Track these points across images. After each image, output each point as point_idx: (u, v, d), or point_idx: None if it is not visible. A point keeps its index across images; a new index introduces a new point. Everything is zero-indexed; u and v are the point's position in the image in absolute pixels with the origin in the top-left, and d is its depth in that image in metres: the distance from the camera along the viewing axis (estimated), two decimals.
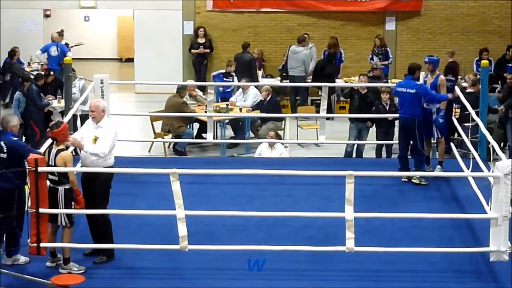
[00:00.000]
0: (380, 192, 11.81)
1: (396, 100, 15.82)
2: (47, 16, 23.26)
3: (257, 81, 19.06)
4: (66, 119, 12.05)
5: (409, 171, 12.23)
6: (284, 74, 20.06)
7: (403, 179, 12.29)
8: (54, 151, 9.46)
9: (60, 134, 9.46)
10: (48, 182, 9.46)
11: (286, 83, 19.66)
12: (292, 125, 17.51)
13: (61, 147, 9.50)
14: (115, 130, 9.85)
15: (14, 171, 9.45)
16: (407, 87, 12.18)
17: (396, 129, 15.26)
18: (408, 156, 12.53)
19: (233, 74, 18.82)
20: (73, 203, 9.46)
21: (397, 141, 14.82)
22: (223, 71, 19.22)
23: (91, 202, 9.65)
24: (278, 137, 14.92)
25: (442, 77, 12.52)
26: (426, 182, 12.13)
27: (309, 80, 19.42)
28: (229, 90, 18.66)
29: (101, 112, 9.82)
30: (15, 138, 9.69)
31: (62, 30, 20.46)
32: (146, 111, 17.28)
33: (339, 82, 19.58)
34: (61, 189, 9.40)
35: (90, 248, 9.80)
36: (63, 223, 9.45)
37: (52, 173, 9.39)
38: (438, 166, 12.49)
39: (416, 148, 12.17)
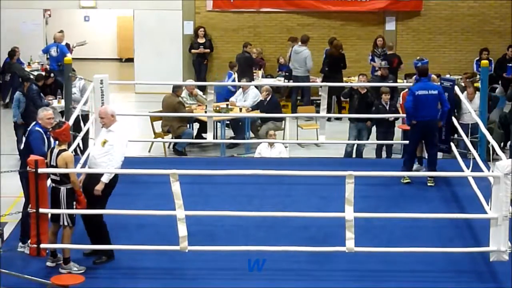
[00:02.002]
0: (380, 192, 11.80)
1: (399, 101, 15.89)
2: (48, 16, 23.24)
3: (252, 79, 19.03)
4: (70, 121, 12.07)
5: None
6: (287, 74, 19.97)
7: (406, 181, 12.23)
8: (56, 151, 9.48)
9: (61, 134, 9.48)
10: (50, 182, 9.49)
11: (285, 83, 19.61)
12: (292, 125, 17.50)
13: (63, 147, 9.51)
14: (124, 135, 9.84)
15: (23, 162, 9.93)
16: (428, 89, 11.87)
17: (396, 129, 15.31)
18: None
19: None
20: (74, 203, 9.49)
21: (397, 141, 14.89)
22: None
23: (89, 203, 9.66)
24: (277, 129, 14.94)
25: (434, 76, 12.49)
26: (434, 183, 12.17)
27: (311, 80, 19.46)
28: (234, 90, 18.47)
29: (111, 117, 9.84)
30: (38, 129, 10.06)
31: (61, 31, 20.45)
32: (146, 111, 17.28)
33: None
34: (63, 189, 9.41)
35: (90, 249, 9.81)
36: (65, 223, 9.46)
37: (54, 173, 9.41)
38: None
39: (434, 151, 12.10)
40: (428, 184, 12.12)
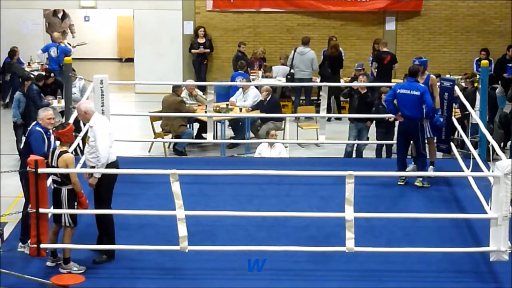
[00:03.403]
0: (380, 192, 11.80)
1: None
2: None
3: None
4: (70, 120, 12.07)
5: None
6: (289, 76, 19.85)
7: (399, 182, 12.21)
8: (57, 152, 9.49)
9: (64, 135, 9.49)
10: (52, 183, 9.50)
11: (285, 83, 19.57)
12: (292, 125, 17.50)
13: (64, 148, 9.52)
14: (103, 127, 9.78)
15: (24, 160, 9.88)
16: (410, 89, 11.89)
17: (396, 129, 15.28)
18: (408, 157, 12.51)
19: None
20: (76, 203, 9.50)
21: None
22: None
23: (96, 200, 9.74)
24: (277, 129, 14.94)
25: (433, 76, 12.45)
26: (428, 185, 12.08)
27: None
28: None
29: (84, 113, 9.88)
30: (39, 129, 10.06)
31: (64, 31, 20.45)
32: (146, 111, 17.28)
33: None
34: (64, 189, 9.42)
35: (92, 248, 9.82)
36: (67, 223, 9.47)
37: (56, 174, 9.41)
38: (430, 167, 12.40)
39: (420, 151, 12.06)
40: (415, 183, 12.08)
